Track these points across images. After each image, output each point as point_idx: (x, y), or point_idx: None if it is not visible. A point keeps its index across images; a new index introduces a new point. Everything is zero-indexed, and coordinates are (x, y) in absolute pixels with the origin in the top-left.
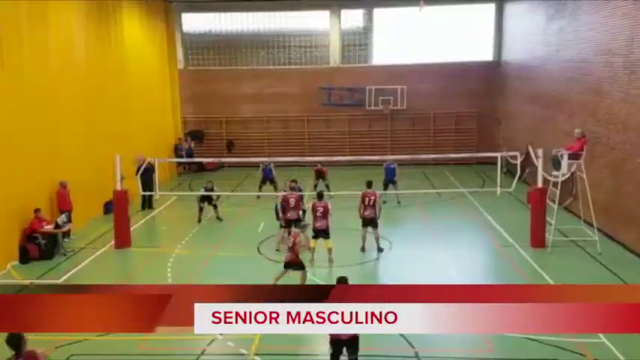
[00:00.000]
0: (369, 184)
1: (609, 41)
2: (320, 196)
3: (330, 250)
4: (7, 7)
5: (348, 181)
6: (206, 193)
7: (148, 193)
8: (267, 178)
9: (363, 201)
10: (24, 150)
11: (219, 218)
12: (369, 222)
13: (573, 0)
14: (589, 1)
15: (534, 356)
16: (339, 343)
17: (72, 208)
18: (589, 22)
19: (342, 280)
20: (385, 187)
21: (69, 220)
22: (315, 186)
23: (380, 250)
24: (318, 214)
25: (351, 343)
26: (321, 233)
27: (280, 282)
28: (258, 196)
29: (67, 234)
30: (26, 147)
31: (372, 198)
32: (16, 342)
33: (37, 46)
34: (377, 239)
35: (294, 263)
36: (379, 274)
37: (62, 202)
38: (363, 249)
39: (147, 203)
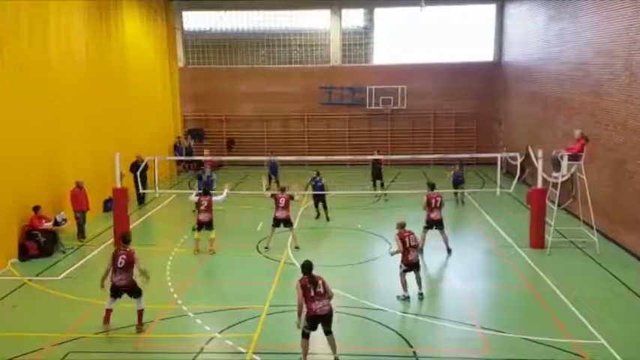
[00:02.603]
0: (433, 186)
1: (609, 43)
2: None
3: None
4: (7, 6)
5: (348, 181)
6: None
7: (143, 191)
8: (273, 173)
9: (429, 203)
10: (24, 147)
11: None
12: (437, 224)
13: (573, 1)
14: (589, 2)
15: (532, 357)
16: (316, 318)
17: (88, 208)
18: (589, 23)
19: (307, 265)
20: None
21: (83, 221)
22: (374, 184)
23: (449, 251)
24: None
25: (327, 318)
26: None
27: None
28: (268, 189)
29: (82, 234)
30: (26, 144)
31: (439, 200)
32: (129, 237)
33: (38, 44)
34: (446, 240)
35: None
36: (379, 274)
37: (76, 202)
38: (420, 250)
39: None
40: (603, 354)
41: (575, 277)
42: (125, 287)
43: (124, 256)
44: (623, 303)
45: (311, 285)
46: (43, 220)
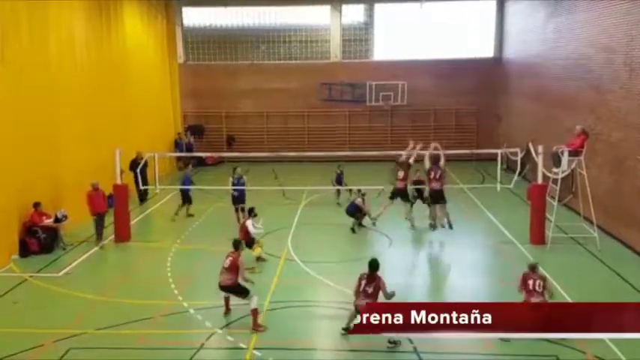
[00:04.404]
0: (435, 162)
1: (609, 38)
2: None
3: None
4: (7, 6)
5: (348, 178)
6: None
7: (143, 187)
8: (339, 183)
9: (428, 175)
10: (24, 144)
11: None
12: (437, 196)
13: None
14: None
15: (535, 352)
16: (356, 309)
17: (106, 210)
18: (588, 19)
19: (371, 263)
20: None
21: (101, 224)
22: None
23: (451, 226)
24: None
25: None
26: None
27: None
28: (338, 203)
29: (100, 238)
30: (26, 141)
31: (439, 172)
32: (237, 243)
33: (38, 40)
34: (447, 214)
35: None
36: (381, 270)
37: (91, 204)
38: (434, 226)
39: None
40: (606, 350)
41: (575, 273)
42: (228, 287)
43: (231, 259)
44: (623, 298)
45: (365, 282)
46: (44, 217)
